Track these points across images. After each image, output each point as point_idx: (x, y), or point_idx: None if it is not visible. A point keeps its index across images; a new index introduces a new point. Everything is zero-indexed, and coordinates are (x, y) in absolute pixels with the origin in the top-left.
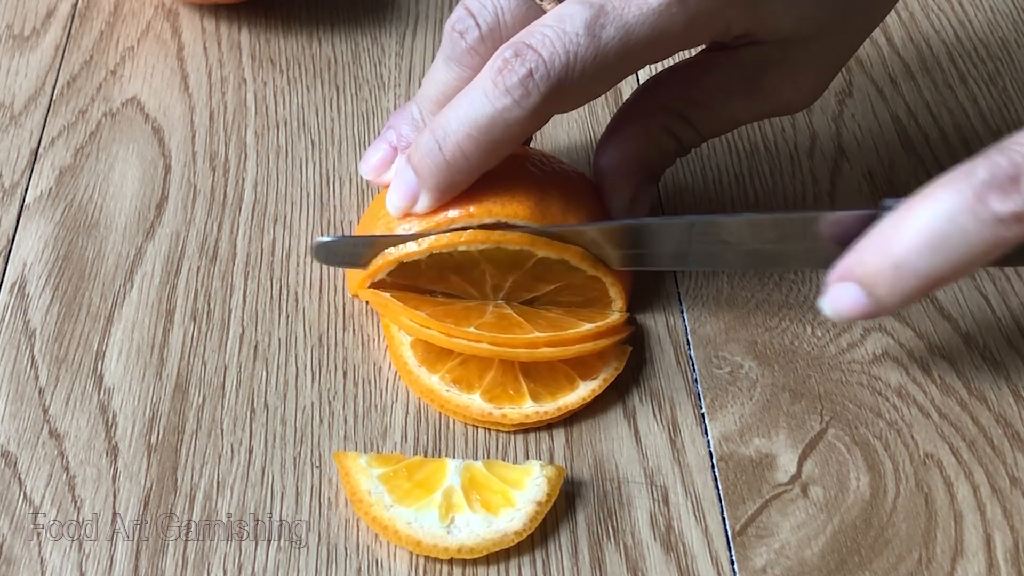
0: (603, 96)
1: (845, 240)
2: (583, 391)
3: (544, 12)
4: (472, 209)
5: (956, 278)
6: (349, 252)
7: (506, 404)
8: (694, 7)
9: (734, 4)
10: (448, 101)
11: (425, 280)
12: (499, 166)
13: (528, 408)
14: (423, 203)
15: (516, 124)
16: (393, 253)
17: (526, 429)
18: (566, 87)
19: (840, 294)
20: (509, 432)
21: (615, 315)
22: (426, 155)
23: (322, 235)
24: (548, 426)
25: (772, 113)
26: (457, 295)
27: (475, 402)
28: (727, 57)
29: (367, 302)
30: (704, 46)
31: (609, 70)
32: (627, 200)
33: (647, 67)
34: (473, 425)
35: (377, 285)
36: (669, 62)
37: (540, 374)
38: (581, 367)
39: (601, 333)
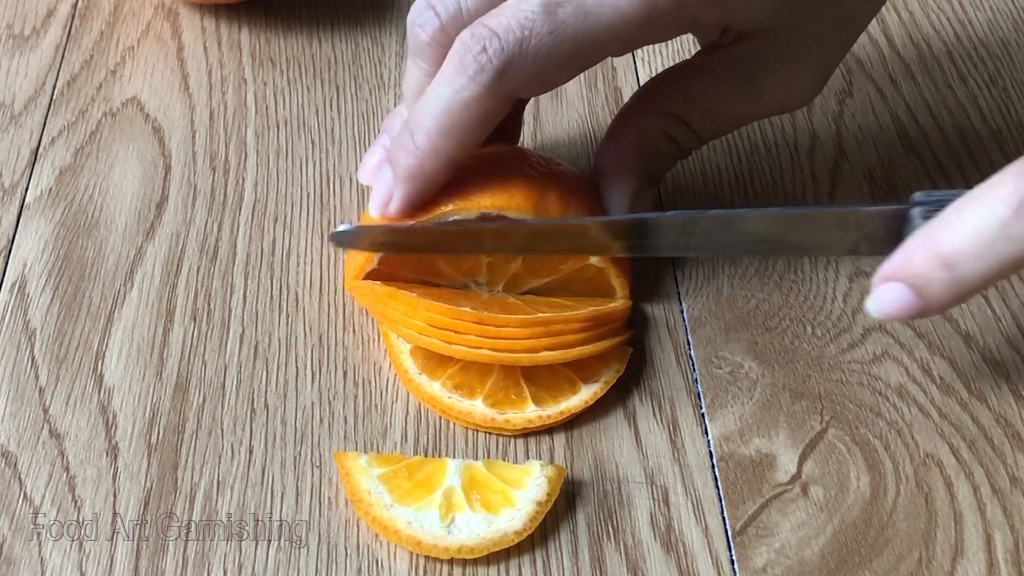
0: (603, 97)
1: (877, 234)
2: (585, 394)
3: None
4: (471, 207)
5: (1005, 277)
6: (367, 240)
7: (508, 409)
8: None
9: None
10: None
11: (421, 270)
12: (497, 166)
13: (531, 412)
14: (396, 196)
15: (474, 103)
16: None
17: (527, 432)
18: (521, 64)
19: (888, 295)
20: (511, 435)
21: (619, 302)
22: (399, 146)
23: (340, 223)
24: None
25: (769, 112)
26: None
27: (477, 408)
28: (720, 56)
29: (365, 309)
30: (698, 48)
31: (568, 52)
32: (627, 203)
33: (648, 70)
34: (475, 430)
35: (371, 276)
36: (667, 63)
37: (541, 378)
38: (582, 370)
39: (604, 317)
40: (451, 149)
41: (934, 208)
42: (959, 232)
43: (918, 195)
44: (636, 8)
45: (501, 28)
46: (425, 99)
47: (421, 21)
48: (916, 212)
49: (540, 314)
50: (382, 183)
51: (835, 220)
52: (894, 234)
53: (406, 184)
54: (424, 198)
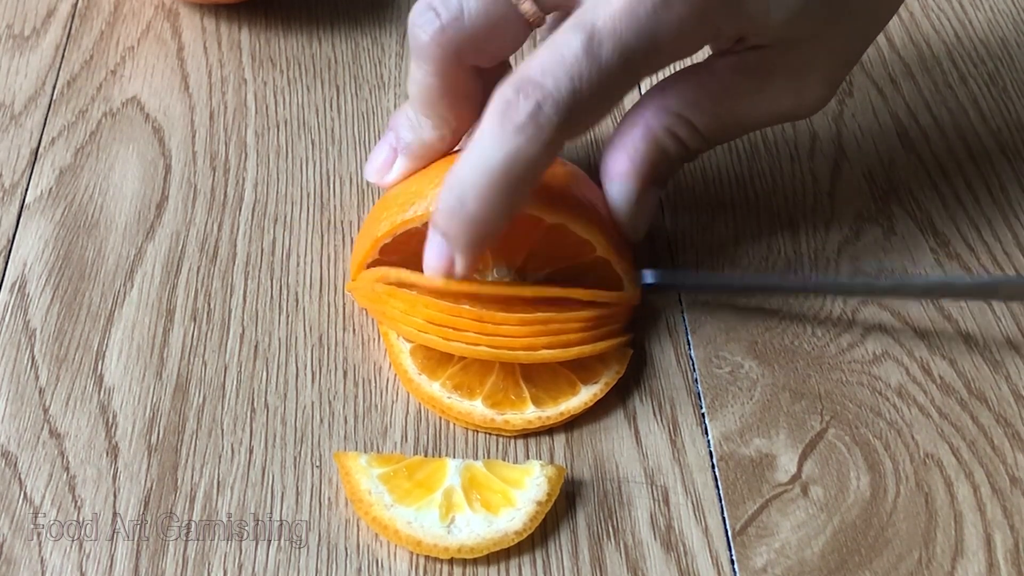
0: None
1: None
2: (585, 395)
3: (514, 10)
4: None
5: (515, 203)
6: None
7: (508, 409)
8: (678, 9)
9: (719, 5)
10: (429, 99)
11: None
12: None
13: (530, 413)
14: (460, 265)
15: (532, 161)
16: (392, 222)
17: (527, 433)
18: (577, 114)
19: (433, 249)
20: (510, 435)
21: (626, 292)
22: (451, 216)
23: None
24: None
25: (777, 119)
26: None
27: (477, 408)
28: (731, 61)
29: (364, 310)
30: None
31: (614, 88)
32: (631, 203)
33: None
34: (475, 430)
35: (376, 264)
36: (674, 67)
37: (541, 378)
38: (582, 371)
39: (604, 317)
40: (509, 208)
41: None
42: (464, 160)
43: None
44: (666, 27)
45: (551, 82)
46: (469, 158)
47: (421, 22)
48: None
49: (539, 312)
50: (436, 248)
51: None
52: None
53: (468, 250)
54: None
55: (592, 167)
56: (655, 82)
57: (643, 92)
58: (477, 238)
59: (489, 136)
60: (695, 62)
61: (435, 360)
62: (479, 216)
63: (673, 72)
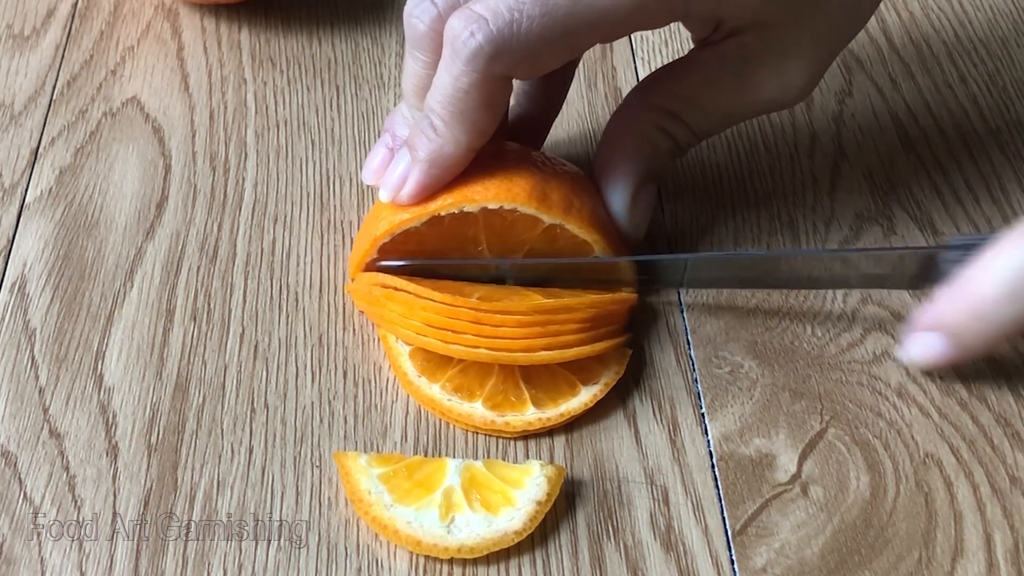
0: (603, 97)
1: (906, 273)
2: (585, 396)
3: None
4: (475, 197)
5: (469, 133)
6: None
7: (508, 411)
8: None
9: None
10: (426, 91)
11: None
12: (501, 162)
13: (530, 415)
14: (412, 179)
15: (474, 89)
16: (391, 221)
17: (527, 434)
18: (513, 46)
19: (926, 344)
20: (510, 437)
21: (624, 293)
22: (418, 130)
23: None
24: None
25: (763, 108)
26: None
27: (477, 410)
28: (712, 52)
29: (363, 312)
30: (692, 46)
31: (560, 34)
32: (628, 201)
33: (648, 69)
34: (475, 432)
35: (372, 267)
36: (666, 63)
37: (541, 380)
38: (582, 372)
39: (603, 317)
40: (465, 135)
41: (964, 253)
42: (986, 283)
43: (954, 239)
44: (626, 4)
45: (490, 12)
46: (433, 87)
47: (418, 12)
48: (947, 255)
49: (537, 314)
50: (397, 166)
51: (871, 260)
52: (920, 273)
53: (424, 167)
54: (439, 184)
55: (591, 167)
56: (644, 80)
57: (631, 89)
58: (436, 155)
59: (442, 62)
60: (679, 57)
61: (435, 362)
62: (442, 136)
63: (659, 67)
